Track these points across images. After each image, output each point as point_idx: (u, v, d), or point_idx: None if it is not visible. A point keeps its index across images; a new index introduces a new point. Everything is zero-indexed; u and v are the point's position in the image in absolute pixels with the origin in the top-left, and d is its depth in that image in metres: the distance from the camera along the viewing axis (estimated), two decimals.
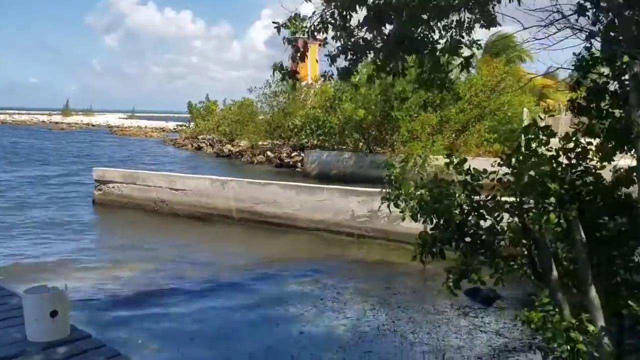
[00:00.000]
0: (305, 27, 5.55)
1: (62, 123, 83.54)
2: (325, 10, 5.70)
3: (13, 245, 11.53)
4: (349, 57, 6.00)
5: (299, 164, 29.82)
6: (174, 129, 70.06)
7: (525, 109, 24.68)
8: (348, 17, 4.55)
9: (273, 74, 5.86)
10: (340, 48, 5.66)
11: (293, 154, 32.10)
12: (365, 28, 4.51)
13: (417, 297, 9.05)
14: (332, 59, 6.42)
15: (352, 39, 5.33)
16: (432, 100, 23.80)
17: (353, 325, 7.49)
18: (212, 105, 45.66)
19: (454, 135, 24.69)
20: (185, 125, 53.11)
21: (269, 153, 33.37)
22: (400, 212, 4.39)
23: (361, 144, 25.13)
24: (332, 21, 5.40)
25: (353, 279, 10.17)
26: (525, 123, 19.96)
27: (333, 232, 13.43)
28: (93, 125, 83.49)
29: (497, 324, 7.85)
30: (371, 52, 5.34)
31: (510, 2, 4.95)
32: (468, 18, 5.08)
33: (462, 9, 4.99)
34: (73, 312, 5.10)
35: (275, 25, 5.49)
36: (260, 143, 34.60)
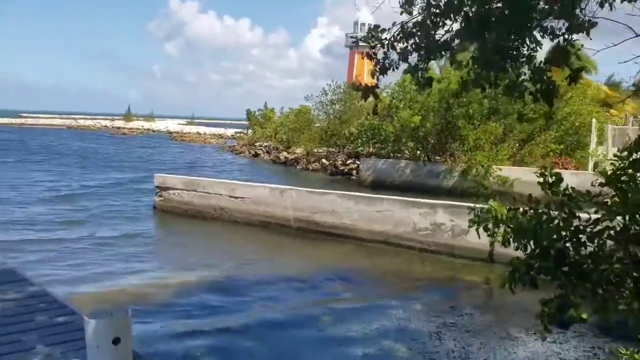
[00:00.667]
0: (385, 39, 5.29)
1: (124, 128, 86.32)
2: (408, 21, 5.43)
3: (76, 261, 11.42)
4: (422, 55, 5.69)
5: (354, 172, 29.54)
6: (232, 135, 71.12)
7: (594, 119, 23.54)
8: (439, 25, 4.29)
9: (354, 92, 5.63)
10: (413, 46, 5.39)
11: (348, 162, 31.85)
12: (461, 36, 4.22)
13: (487, 319, 8.55)
14: (404, 57, 6.09)
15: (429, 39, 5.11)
16: (496, 108, 23.08)
17: (420, 350, 7.08)
18: (270, 113, 45.96)
19: (517, 145, 23.80)
20: (243, 132, 53.70)
21: (324, 160, 33.22)
22: (489, 235, 4.00)
23: (419, 152, 24.53)
24: (415, 31, 5.16)
25: (417, 297, 9.75)
26: (594, 133, 18.71)
27: (393, 244, 13.04)
28: (153, 131, 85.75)
29: (576, 351, 7.29)
30: (447, 51, 5.12)
31: (601, 7, 4.57)
32: (555, 24, 4.75)
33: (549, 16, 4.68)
34: (136, 337, 4.83)
35: (353, 39, 5.27)
36: (315, 150, 34.48)
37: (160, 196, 16.61)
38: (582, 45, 5.50)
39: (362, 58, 55.00)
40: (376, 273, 11.42)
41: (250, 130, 50.39)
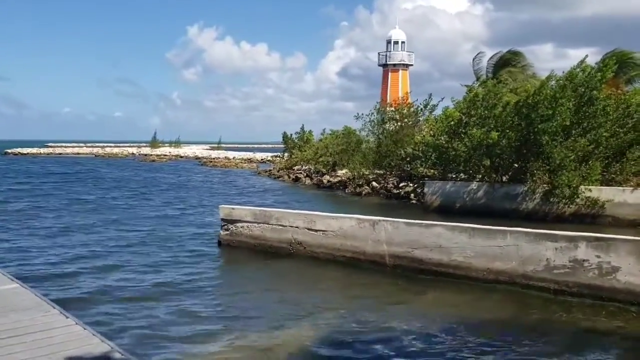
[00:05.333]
0: None
1: (151, 155, 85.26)
2: None
3: (133, 311, 9.35)
4: None
5: (412, 195, 27.41)
6: (262, 159, 69.58)
7: None
8: None
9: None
10: None
11: (401, 185, 29.71)
12: None
13: None
14: None
15: None
16: (578, 122, 20.84)
17: None
18: (309, 135, 44.23)
19: (602, 163, 21.43)
20: (279, 156, 51.99)
21: (374, 184, 31.12)
22: None
23: (492, 173, 22.30)
24: None
25: (570, 354, 7.58)
26: None
27: (519, 285, 10.83)
28: (181, 157, 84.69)
29: None
30: None
31: None
32: None
33: None
34: None
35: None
36: (363, 173, 32.37)
37: (227, 230, 14.63)
38: None
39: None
40: (504, 323, 9.25)
41: (286, 154, 48.64)
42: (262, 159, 69.94)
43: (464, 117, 22.68)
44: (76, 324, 4.81)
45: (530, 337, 8.57)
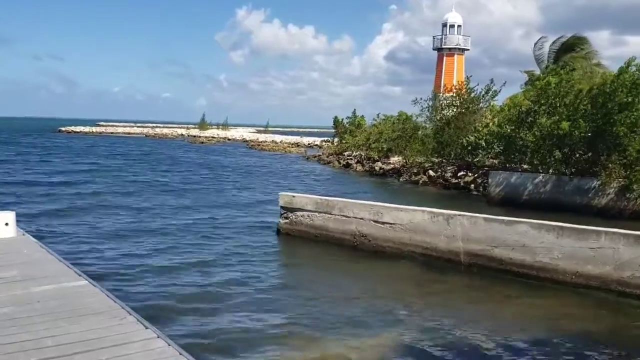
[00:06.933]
0: None
1: (200, 137, 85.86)
2: None
3: (198, 312, 8.62)
4: None
5: (472, 186, 26.23)
6: (309, 144, 68.96)
7: None
8: None
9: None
10: None
11: (459, 174, 28.50)
12: None
13: None
14: None
15: None
16: None
17: None
18: (361, 120, 43.15)
19: None
20: (328, 141, 51.16)
21: (430, 172, 29.96)
22: None
23: (562, 165, 20.93)
24: None
25: None
26: None
27: (614, 292, 9.78)
28: (229, 139, 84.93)
29: None
30: None
31: None
32: None
33: None
34: None
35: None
36: (418, 160, 31.22)
37: (286, 218, 13.98)
38: None
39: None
40: (612, 335, 8.29)
41: (336, 139, 47.76)
42: (309, 144, 69.29)
43: (533, 105, 21.34)
44: (158, 337, 4.15)
45: (632, 353, 7.62)
